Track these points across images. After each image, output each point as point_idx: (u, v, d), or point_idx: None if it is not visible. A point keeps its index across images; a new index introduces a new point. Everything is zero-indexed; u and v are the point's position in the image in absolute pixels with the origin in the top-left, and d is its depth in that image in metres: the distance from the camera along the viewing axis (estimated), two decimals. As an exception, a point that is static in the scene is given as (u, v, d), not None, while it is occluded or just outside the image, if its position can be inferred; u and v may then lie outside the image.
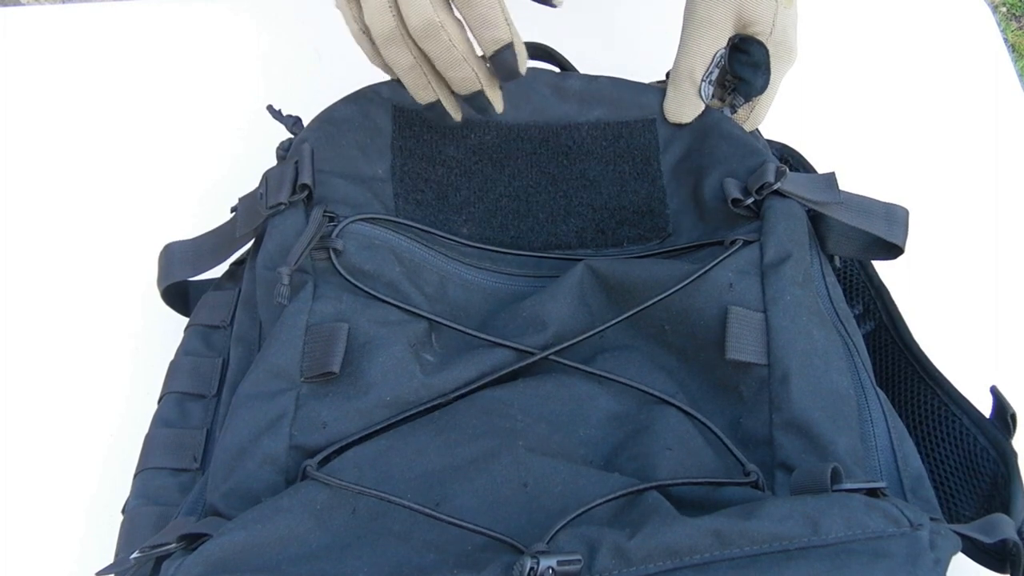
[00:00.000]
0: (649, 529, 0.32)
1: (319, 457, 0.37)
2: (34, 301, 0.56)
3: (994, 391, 0.41)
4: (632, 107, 0.50)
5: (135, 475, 0.43)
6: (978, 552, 0.38)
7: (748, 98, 0.49)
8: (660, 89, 0.50)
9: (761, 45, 0.47)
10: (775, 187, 0.43)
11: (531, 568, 0.31)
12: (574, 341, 0.41)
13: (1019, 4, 1.45)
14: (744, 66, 0.48)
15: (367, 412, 0.39)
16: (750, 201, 0.44)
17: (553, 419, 0.40)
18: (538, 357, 0.41)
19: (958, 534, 0.34)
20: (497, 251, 0.46)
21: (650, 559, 0.32)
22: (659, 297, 0.42)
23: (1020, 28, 1.43)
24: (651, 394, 0.41)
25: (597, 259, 0.44)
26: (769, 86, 0.48)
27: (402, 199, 0.46)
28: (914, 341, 0.47)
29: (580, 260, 0.44)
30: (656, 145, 0.49)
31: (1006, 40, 1.20)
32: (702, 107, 0.49)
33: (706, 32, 0.48)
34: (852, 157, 0.61)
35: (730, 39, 0.48)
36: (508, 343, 0.41)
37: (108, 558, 0.42)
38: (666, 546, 0.32)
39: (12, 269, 0.57)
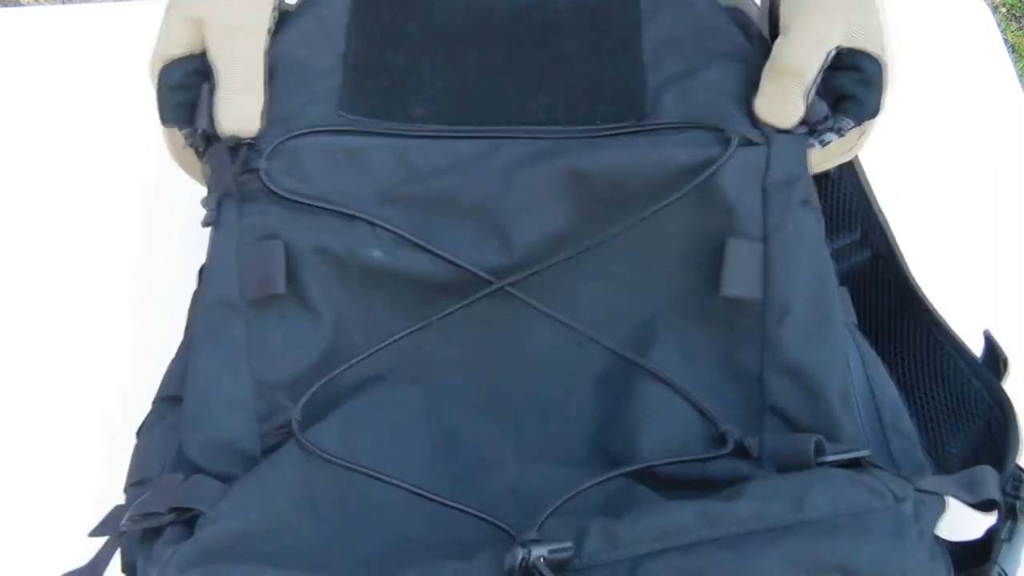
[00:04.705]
0: (637, 512, 0.33)
1: (300, 404, 0.37)
2: (35, 297, 0.56)
3: (987, 335, 0.41)
4: None
5: (154, 402, 0.42)
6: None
7: (859, 121, 0.42)
8: None
9: (875, 61, 0.41)
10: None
11: (522, 558, 0.31)
12: (547, 265, 0.39)
13: (1019, 4, 1.45)
14: (856, 83, 0.41)
15: (322, 336, 0.38)
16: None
17: (543, 402, 0.40)
18: (499, 284, 0.39)
19: (942, 495, 0.34)
20: (455, 135, 0.42)
21: (639, 541, 0.32)
22: (654, 209, 0.39)
23: (1020, 28, 1.43)
24: (634, 362, 0.40)
25: (576, 153, 0.40)
26: (880, 111, 0.42)
27: (350, 88, 0.43)
28: (911, 276, 0.45)
29: (548, 139, 0.41)
30: (637, 20, 0.45)
31: (1006, 40, 1.20)
32: (802, 114, 0.41)
33: (820, 25, 0.41)
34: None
35: (837, 47, 0.41)
36: (467, 266, 0.39)
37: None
38: (654, 527, 0.32)
39: (14, 267, 0.57)
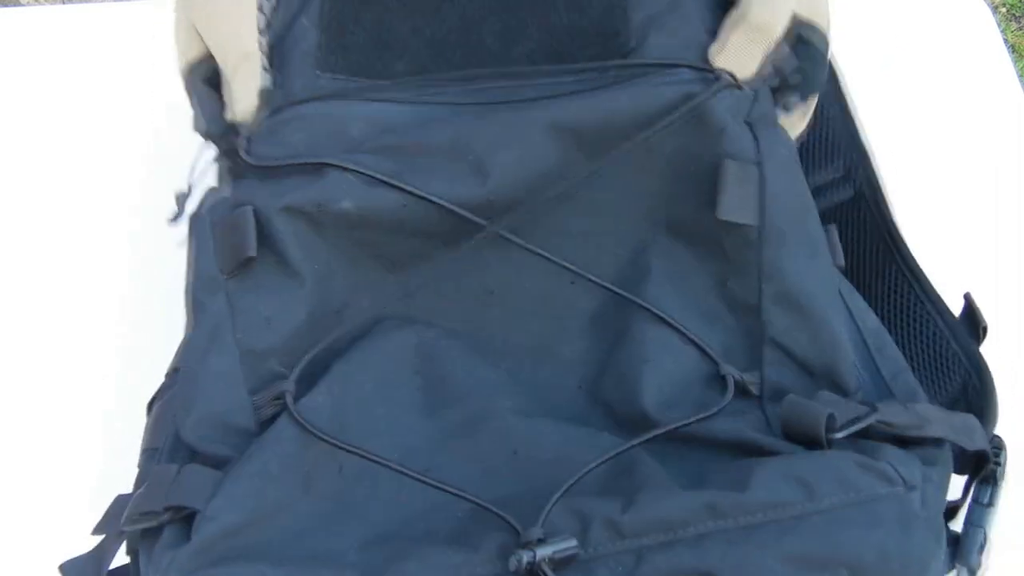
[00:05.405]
0: (642, 502, 0.32)
1: (292, 377, 0.36)
2: (34, 297, 0.56)
3: (967, 298, 0.41)
4: None
5: (166, 375, 0.42)
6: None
7: (805, 97, 0.42)
8: None
9: (823, 36, 0.41)
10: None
11: (528, 562, 0.30)
12: (536, 203, 0.38)
13: (1019, 4, 1.45)
14: (805, 58, 0.41)
15: (306, 297, 0.38)
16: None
17: (537, 345, 0.39)
18: (486, 232, 0.38)
19: (945, 440, 0.34)
20: (437, 81, 0.41)
21: (643, 532, 0.31)
22: (644, 135, 0.38)
23: (1020, 28, 1.43)
24: (626, 298, 0.39)
25: (559, 106, 0.39)
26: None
27: (326, 49, 0.42)
28: (893, 221, 0.44)
29: (529, 86, 0.40)
30: None
31: (1006, 40, 1.20)
32: (756, 71, 0.40)
33: None
34: (852, 157, 0.61)
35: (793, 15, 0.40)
36: (439, 200, 0.38)
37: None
38: (659, 519, 0.32)
39: (13, 267, 0.57)
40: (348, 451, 0.35)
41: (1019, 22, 1.45)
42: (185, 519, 0.34)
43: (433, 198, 0.38)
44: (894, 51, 0.67)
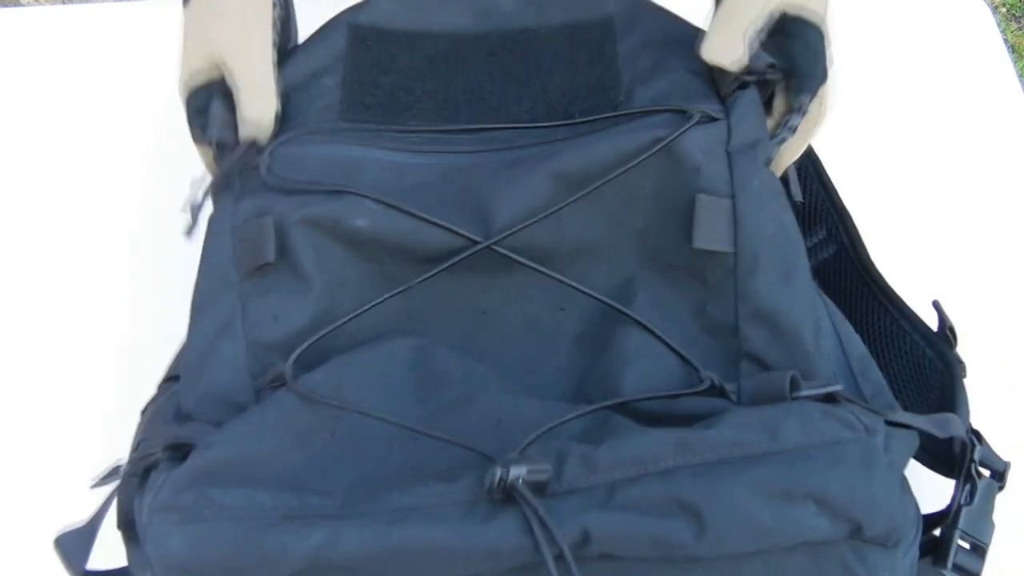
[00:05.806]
0: (615, 440, 0.34)
1: (292, 357, 0.38)
2: (34, 297, 0.56)
3: (936, 305, 0.43)
4: (591, 9, 0.49)
5: (159, 385, 0.43)
6: (927, 456, 0.39)
7: (813, 91, 0.43)
8: None
9: (816, 29, 0.43)
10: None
11: (501, 477, 0.32)
12: (528, 224, 0.41)
13: (1019, 4, 1.45)
14: (800, 55, 0.43)
15: (313, 302, 0.40)
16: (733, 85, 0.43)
17: (525, 363, 0.41)
18: (482, 245, 0.41)
19: (913, 428, 0.36)
20: (446, 131, 0.45)
21: (616, 467, 0.33)
22: (619, 171, 0.41)
23: (1020, 28, 1.43)
24: (615, 313, 0.42)
25: (551, 152, 0.43)
26: (829, 77, 0.43)
27: (346, 104, 0.47)
28: (871, 262, 0.47)
29: (531, 127, 0.45)
30: (612, 34, 0.48)
31: (1006, 40, 1.20)
32: (744, 59, 0.43)
33: None
34: (850, 156, 0.62)
35: (776, 12, 0.43)
36: (449, 226, 0.41)
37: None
38: (631, 454, 0.33)
39: (14, 267, 0.57)
40: (343, 408, 0.37)
41: (1019, 22, 1.45)
42: (182, 458, 0.35)
43: (442, 223, 0.41)
44: (893, 51, 0.67)
